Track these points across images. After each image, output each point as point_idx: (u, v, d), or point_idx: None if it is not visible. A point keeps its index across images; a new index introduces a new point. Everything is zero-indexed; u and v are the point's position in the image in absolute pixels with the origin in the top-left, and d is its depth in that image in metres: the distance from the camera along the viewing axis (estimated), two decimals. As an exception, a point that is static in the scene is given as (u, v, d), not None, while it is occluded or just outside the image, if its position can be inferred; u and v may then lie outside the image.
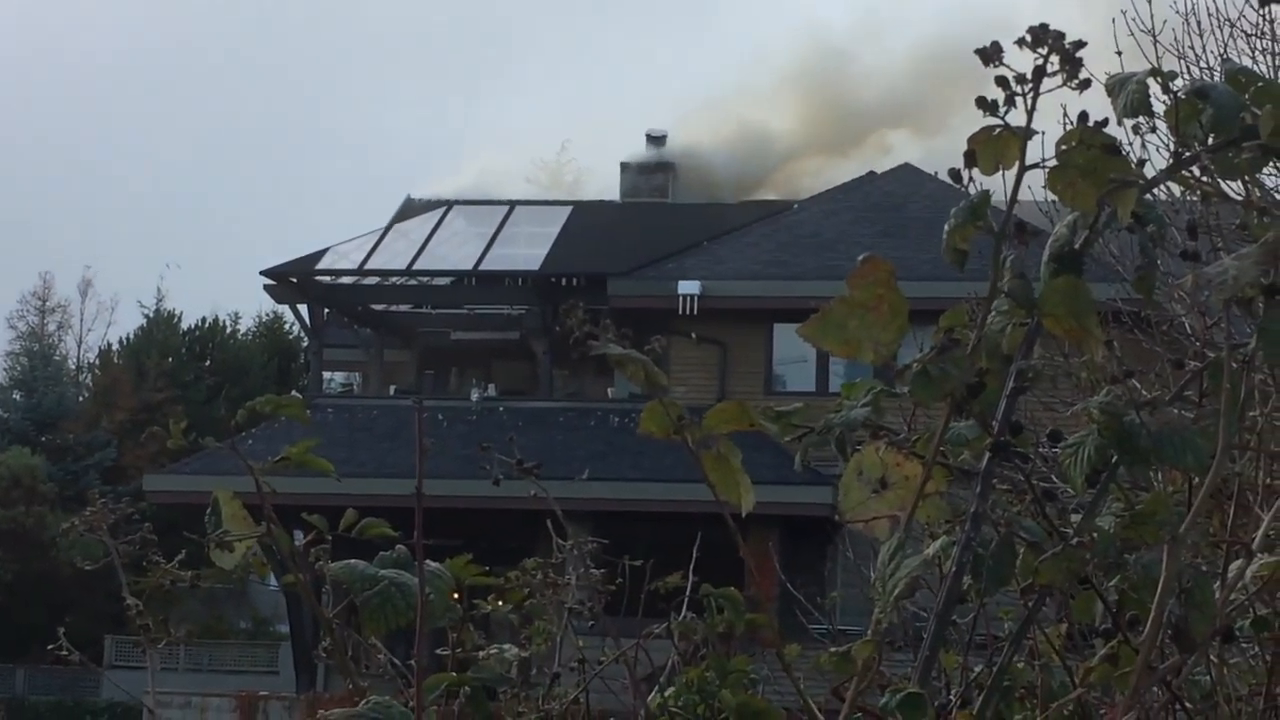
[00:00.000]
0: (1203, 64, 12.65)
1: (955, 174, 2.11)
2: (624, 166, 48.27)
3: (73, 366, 60.39)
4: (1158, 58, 12.65)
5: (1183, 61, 12.76)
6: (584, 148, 74.16)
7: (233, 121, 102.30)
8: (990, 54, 2.01)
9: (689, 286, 37.14)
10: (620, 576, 3.84)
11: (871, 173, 43.39)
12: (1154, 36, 12.77)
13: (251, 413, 2.70)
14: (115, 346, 56.43)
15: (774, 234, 39.77)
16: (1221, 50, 12.62)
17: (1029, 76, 2.04)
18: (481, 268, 40.52)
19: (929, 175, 40.85)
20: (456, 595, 2.91)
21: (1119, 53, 12.38)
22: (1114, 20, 13.03)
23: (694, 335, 35.83)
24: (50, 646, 3.66)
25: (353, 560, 2.42)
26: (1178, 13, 12.86)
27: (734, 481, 2.48)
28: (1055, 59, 2.04)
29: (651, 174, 47.76)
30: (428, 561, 2.40)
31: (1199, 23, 12.72)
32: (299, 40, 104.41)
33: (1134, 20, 12.89)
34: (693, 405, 2.53)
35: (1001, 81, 2.05)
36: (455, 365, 44.43)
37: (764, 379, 37.92)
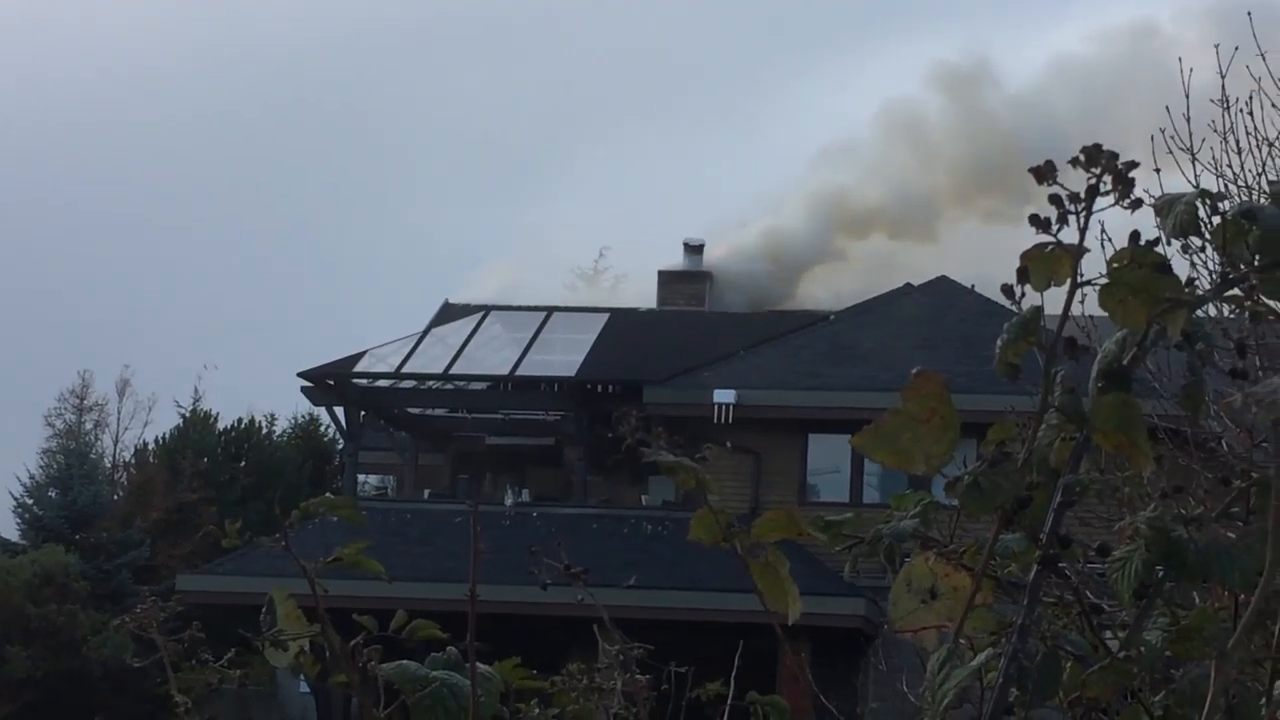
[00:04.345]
0: (1241, 182, 12.70)
1: (1008, 289, 2.15)
2: (661, 275, 48.44)
3: (108, 465, 60.44)
4: (1195, 176, 12.71)
5: (1220, 179, 12.82)
6: (621, 254, 74.58)
7: (271, 224, 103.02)
8: (1044, 172, 2.05)
9: (724, 395, 37.17)
10: (665, 683, 3.85)
11: (908, 284, 43.47)
12: (1193, 155, 12.84)
13: (305, 513, 2.74)
14: (151, 446, 56.55)
15: (810, 344, 39.83)
16: (1260, 169, 12.67)
17: (1082, 195, 2.08)
18: (518, 373, 40.62)
19: (965, 288, 40.93)
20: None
21: (1157, 170, 12.44)
22: (1152, 138, 13.10)
23: (729, 444, 35.85)
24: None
25: (404, 661, 2.45)
26: (1215, 131, 12.93)
27: (782, 590, 2.50)
28: (1108, 179, 2.08)
29: (688, 282, 47.92)
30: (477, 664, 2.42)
31: (1237, 141, 12.78)
32: (338, 143, 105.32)
33: (1173, 138, 12.96)
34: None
35: (1055, 199, 2.09)
36: (490, 470, 44.46)
37: (798, 488, 37.87)
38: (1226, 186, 12.65)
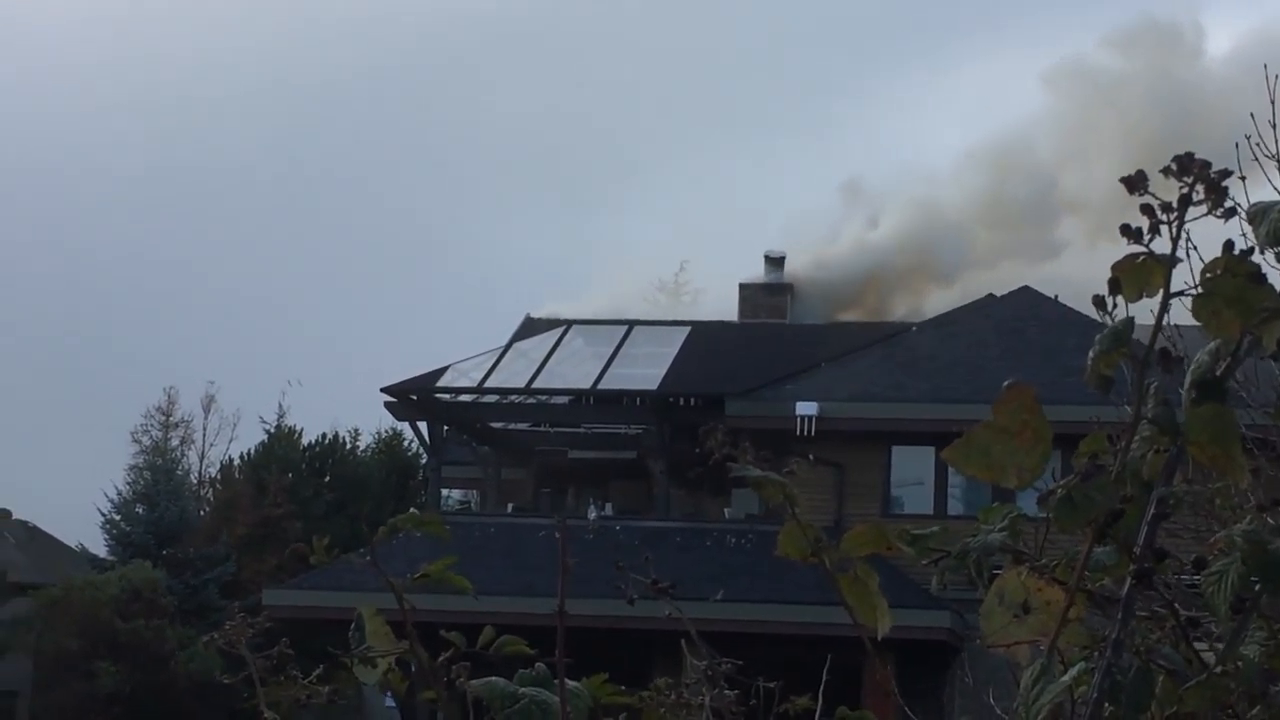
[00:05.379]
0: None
1: (1099, 301, 2.13)
2: (742, 287, 48.39)
3: (194, 481, 60.86)
4: (1283, 183, 12.57)
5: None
6: (702, 266, 74.42)
7: (356, 239, 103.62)
8: (1136, 182, 2.03)
9: (806, 408, 37.05)
10: (753, 698, 3.83)
11: (991, 295, 43.22)
12: (1278, 162, 12.69)
13: (392, 530, 2.75)
14: (236, 462, 56.97)
15: (892, 356, 39.66)
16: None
17: (1174, 205, 2.06)
18: (600, 387, 40.66)
19: (1047, 298, 40.67)
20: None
21: (1243, 178, 12.29)
22: (1237, 145, 12.97)
23: (811, 457, 35.74)
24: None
25: (493, 678, 2.45)
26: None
27: (871, 605, 2.48)
28: (1200, 188, 2.05)
29: (770, 295, 47.84)
30: (566, 680, 2.42)
31: (1326, 148, 12.64)
32: (421, 161, 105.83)
33: (1258, 145, 12.82)
34: (813, 527, 2.54)
35: (1147, 209, 2.06)
36: (572, 484, 44.50)
37: (881, 501, 37.73)
38: (1314, 194, 12.51)
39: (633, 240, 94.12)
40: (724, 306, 49.21)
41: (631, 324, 44.83)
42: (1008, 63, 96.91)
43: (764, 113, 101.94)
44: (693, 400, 39.35)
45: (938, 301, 46.67)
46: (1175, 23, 56.09)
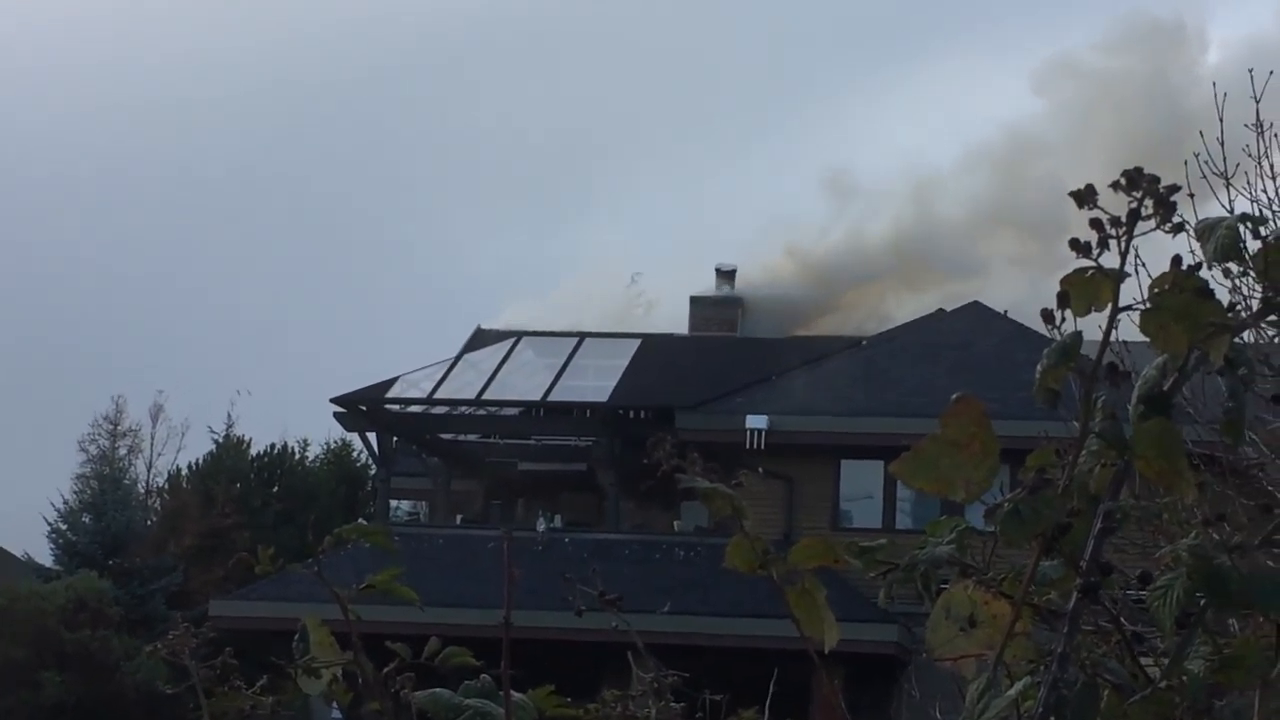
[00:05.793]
0: (1276, 207, 12.66)
1: (1047, 314, 2.13)
2: (693, 300, 48.46)
3: (142, 491, 60.48)
4: (1230, 201, 12.67)
5: (1255, 205, 12.78)
6: (653, 279, 74.19)
7: (304, 249, 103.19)
8: (1085, 196, 2.03)
9: (757, 421, 37.12)
10: (699, 711, 3.83)
11: (941, 310, 43.40)
12: (1227, 180, 12.78)
13: (337, 540, 2.74)
14: (185, 471, 56.64)
15: (842, 370, 39.76)
16: (1295, 194, 12.62)
17: (1123, 219, 2.06)
18: (550, 399, 40.64)
19: (997, 313, 40.84)
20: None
21: (1191, 195, 12.38)
22: (1186, 163, 13.05)
23: (761, 470, 35.78)
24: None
25: (438, 689, 2.43)
26: (1250, 156, 12.88)
27: (818, 618, 2.48)
28: (1149, 202, 2.06)
29: (720, 308, 47.92)
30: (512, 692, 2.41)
31: (1272, 166, 12.73)
32: (372, 169, 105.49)
33: (1206, 163, 12.89)
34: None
35: (1096, 224, 2.07)
36: (522, 496, 44.46)
37: (831, 514, 37.80)
38: (1261, 212, 12.60)
39: (586, 252, 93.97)
40: (675, 318, 49.26)
41: (582, 336, 44.82)
42: (998, 68, 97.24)
43: (760, 121, 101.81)
44: (643, 413, 39.35)
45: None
46: (1177, 22, 55.74)
